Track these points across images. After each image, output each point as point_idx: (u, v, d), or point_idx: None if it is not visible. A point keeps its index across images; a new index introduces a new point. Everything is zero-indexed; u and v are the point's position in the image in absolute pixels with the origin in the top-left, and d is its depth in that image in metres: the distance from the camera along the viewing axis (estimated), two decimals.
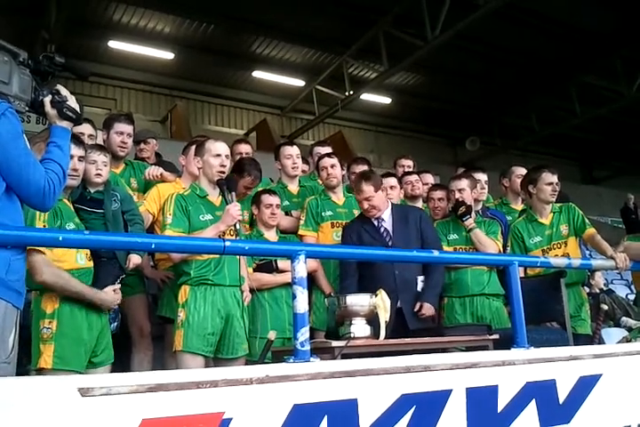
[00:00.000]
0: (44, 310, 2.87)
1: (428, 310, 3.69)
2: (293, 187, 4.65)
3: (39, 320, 2.86)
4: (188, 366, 3.18)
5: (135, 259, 3.27)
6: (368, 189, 3.82)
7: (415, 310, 3.66)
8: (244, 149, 4.84)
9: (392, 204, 4.02)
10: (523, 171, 4.88)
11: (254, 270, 3.83)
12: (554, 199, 4.27)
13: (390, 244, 3.81)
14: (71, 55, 10.76)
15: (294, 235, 4.26)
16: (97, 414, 1.62)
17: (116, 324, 3.28)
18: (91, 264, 3.06)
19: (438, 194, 4.50)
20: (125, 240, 2.39)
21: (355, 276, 3.77)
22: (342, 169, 4.53)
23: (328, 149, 4.96)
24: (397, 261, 3.63)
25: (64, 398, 1.60)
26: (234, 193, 3.43)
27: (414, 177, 4.85)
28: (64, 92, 2.19)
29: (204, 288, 3.36)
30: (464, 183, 4.32)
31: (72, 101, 2.19)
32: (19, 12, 9.96)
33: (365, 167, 4.51)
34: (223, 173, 3.52)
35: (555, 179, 4.24)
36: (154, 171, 4.15)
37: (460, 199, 4.23)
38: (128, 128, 4.18)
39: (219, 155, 3.52)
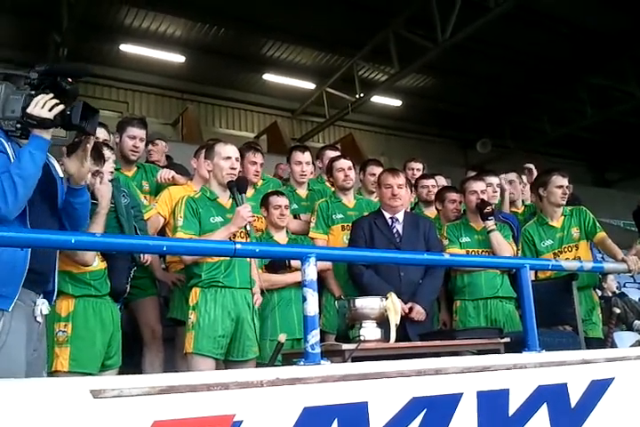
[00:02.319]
0: (59, 314, 2.91)
1: (418, 314, 3.64)
2: (302, 190, 4.66)
3: (54, 323, 2.89)
4: (198, 369, 3.19)
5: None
6: (403, 178, 3.98)
7: (406, 311, 3.57)
8: None
9: (405, 210, 4.04)
10: (511, 176, 4.98)
11: (266, 267, 3.83)
12: (564, 202, 4.26)
13: (400, 245, 3.82)
14: (83, 59, 10.84)
15: (305, 236, 4.27)
16: (109, 415, 1.63)
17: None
18: (103, 265, 3.12)
19: (456, 196, 4.50)
20: (137, 243, 2.40)
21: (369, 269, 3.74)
22: (355, 172, 4.54)
23: (337, 153, 4.97)
24: (407, 264, 3.62)
25: (76, 399, 1.61)
26: (244, 195, 3.45)
27: (431, 182, 4.86)
28: (36, 99, 2.18)
29: (214, 290, 3.37)
30: (484, 184, 4.33)
31: (34, 106, 2.16)
32: (31, 15, 10.06)
33: (380, 169, 4.51)
34: (233, 175, 3.53)
35: (565, 182, 4.23)
36: (165, 174, 4.18)
37: (486, 199, 4.23)
38: (140, 132, 4.21)
39: (229, 157, 3.54)
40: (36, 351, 2.28)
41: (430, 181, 4.87)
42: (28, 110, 2.15)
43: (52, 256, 2.35)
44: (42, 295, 2.30)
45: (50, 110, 2.17)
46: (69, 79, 2.25)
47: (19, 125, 2.18)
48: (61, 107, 2.19)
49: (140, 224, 3.59)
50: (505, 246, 4.07)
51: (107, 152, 3.38)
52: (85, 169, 2.36)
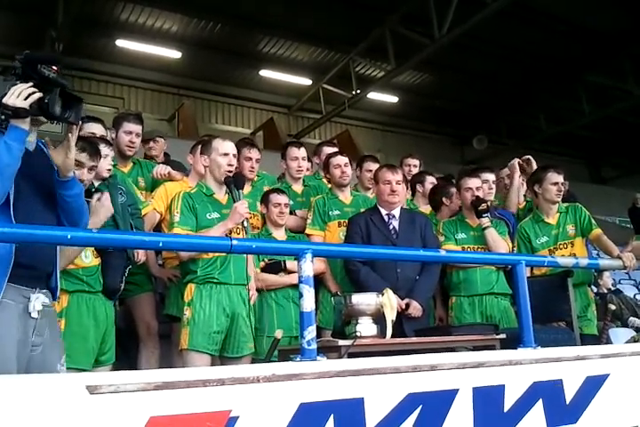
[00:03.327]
0: None
1: (415, 310, 3.67)
2: (297, 186, 4.65)
3: None
4: (193, 365, 3.19)
5: (142, 253, 3.37)
6: (401, 174, 4.00)
7: (402, 306, 3.59)
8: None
9: (401, 207, 4.04)
10: (506, 172, 4.95)
11: (262, 270, 3.83)
12: (559, 199, 4.26)
13: (396, 242, 3.82)
14: (79, 54, 10.82)
15: (302, 234, 4.27)
16: (105, 411, 1.63)
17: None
18: (97, 262, 3.10)
19: (453, 191, 4.50)
20: (133, 239, 2.40)
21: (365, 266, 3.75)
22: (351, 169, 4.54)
23: (335, 149, 4.96)
24: (404, 261, 3.63)
25: (73, 395, 1.61)
26: (241, 191, 3.44)
27: (430, 179, 4.88)
28: (13, 88, 2.11)
29: (209, 287, 3.37)
30: (479, 181, 4.32)
31: (9, 96, 2.09)
32: (27, 10, 10.03)
33: (377, 165, 4.51)
34: (230, 172, 3.53)
35: (560, 179, 4.23)
36: (161, 169, 4.17)
37: (481, 196, 4.23)
38: (137, 128, 4.20)
39: (226, 154, 3.53)
40: (38, 347, 2.23)
41: (429, 179, 4.89)
42: (4, 100, 2.08)
43: (46, 251, 2.30)
44: (38, 290, 2.26)
45: (25, 99, 2.09)
46: (54, 67, 2.16)
47: (3, 117, 2.10)
48: (37, 95, 2.11)
49: (136, 222, 3.56)
50: (500, 243, 4.07)
51: (105, 149, 3.36)
52: (70, 160, 2.28)
